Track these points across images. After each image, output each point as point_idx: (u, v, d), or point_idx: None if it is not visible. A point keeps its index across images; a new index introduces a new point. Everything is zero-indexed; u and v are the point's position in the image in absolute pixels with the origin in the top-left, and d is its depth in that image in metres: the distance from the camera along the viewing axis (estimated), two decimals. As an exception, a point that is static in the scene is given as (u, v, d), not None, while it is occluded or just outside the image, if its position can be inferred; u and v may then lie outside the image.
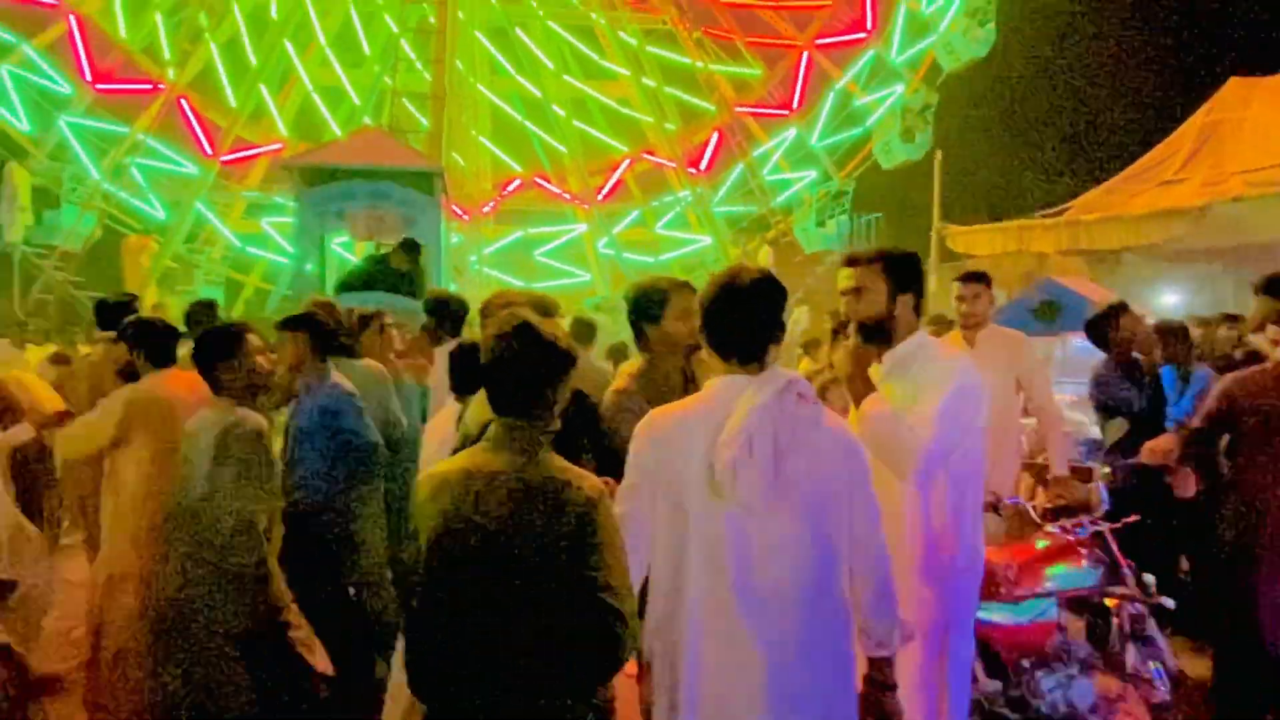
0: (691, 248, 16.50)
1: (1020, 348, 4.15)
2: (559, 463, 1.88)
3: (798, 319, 12.06)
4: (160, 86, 16.51)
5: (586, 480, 1.85)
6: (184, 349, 3.40)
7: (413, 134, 14.32)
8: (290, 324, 3.52)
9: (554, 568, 1.76)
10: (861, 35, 16.11)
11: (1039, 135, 24.88)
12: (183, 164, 16.67)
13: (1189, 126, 13.03)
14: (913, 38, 15.81)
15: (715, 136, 16.60)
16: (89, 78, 15.93)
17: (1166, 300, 12.78)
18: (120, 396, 3.29)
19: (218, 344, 2.93)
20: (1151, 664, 3.40)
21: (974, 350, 3.97)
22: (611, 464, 2.19)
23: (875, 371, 2.38)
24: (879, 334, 2.39)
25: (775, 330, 1.93)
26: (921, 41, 15.65)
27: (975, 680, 3.15)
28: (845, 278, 2.45)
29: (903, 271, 2.42)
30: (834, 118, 16.52)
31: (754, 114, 16.89)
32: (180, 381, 3.34)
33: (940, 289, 14.44)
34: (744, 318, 1.90)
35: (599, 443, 2.56)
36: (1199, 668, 3.72)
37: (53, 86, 16.08)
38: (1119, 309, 4.53)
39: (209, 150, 16.35)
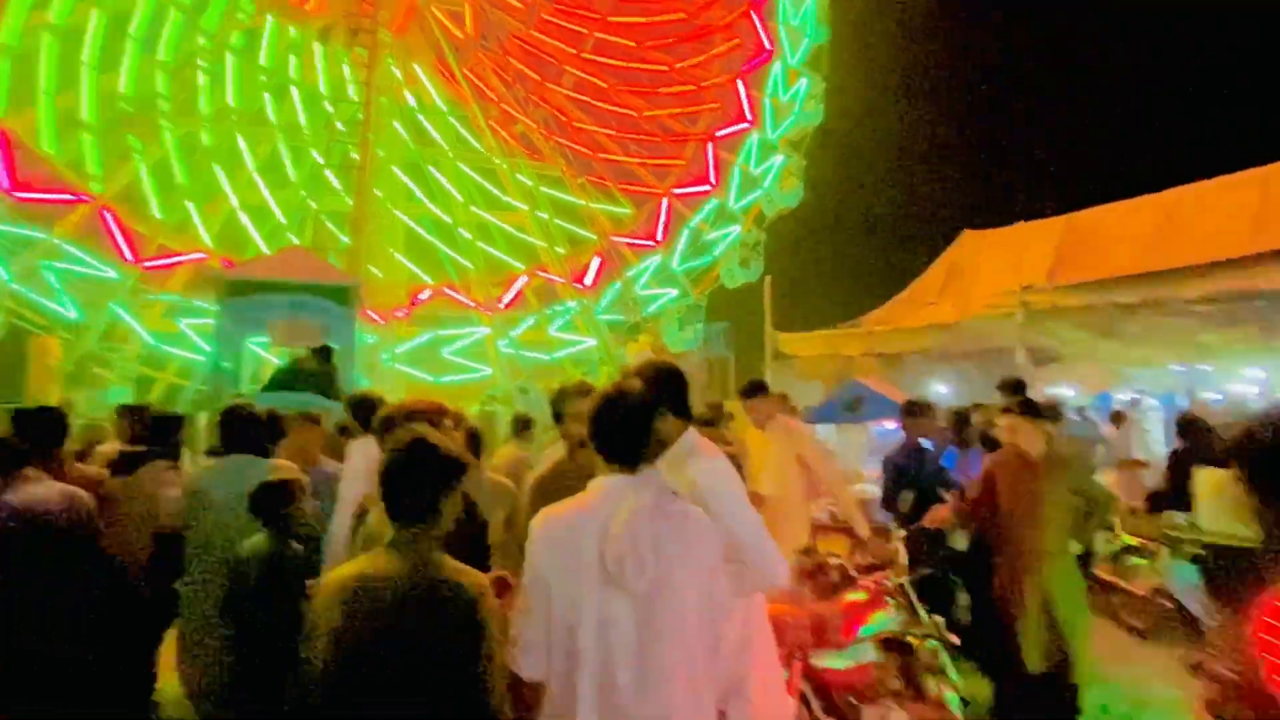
0: (579, 348, 16.81)
1: (800, 435, 4.59)
2: (450, 564, 1.85)
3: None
4: (83, 198, 15.08)
5: (470, 577, 1.83)
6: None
7: (334, 251, 13.81)
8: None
9: (443, 664, 1.73)
10: (707, 187, 17.82)
11: (842, 267, 27.81)
12: (101, 269, 15.09)
13: (939, 265, 15.10)
14: (745, 190, 17.56)
15: (597, 259, 17.43)
16: (7, 185, 14.28)
17: (938, 390, 14.04)
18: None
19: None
20: (946, 691, 3.58)
21: (764, 433, 4.40)
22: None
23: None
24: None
25: (649, 438, 1.95)
26: (752, 194, 17.43)
27: (814, 717, 3.22)
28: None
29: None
30: (689, 248, 17.86)
31: (627, 243, 17.99)
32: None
33: (775, 381, 15.45)
34: (623, 430, 1.92)
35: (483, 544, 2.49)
36: (984, 689, 3.88)
37: (-36, 195, 14.23)
38: (924, 407, 4.91)
39: (130, 256, 14.94)
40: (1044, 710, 3.55)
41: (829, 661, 3.24)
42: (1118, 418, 8.34)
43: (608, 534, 1.78)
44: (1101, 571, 5.49)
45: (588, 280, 16.86)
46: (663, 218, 17.63)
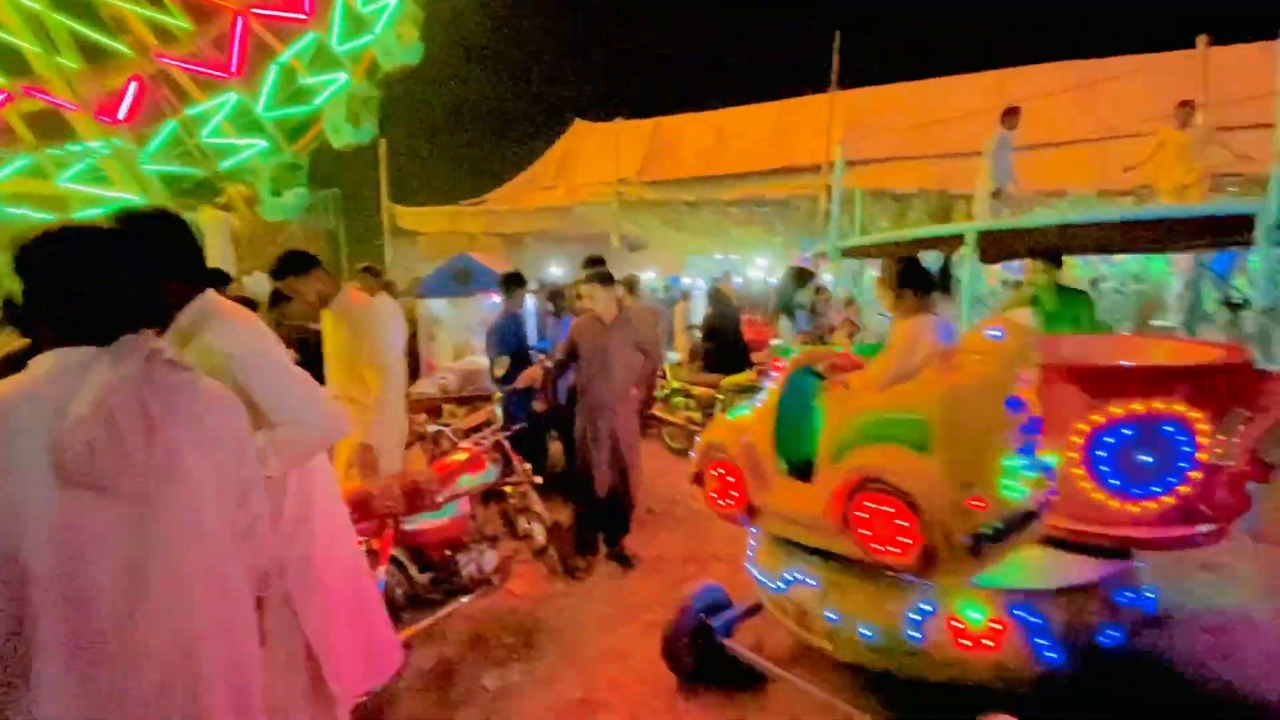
0: (112, 206, 12.10)
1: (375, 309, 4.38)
2: None
3: (259, 281, 10.20)
4: None
5: None
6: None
7: None
8: None
9: None
10: (301, 16, 13.83)
11: (466, 140, 26.44)
12: None
13: (554, 151, 15.51)
14: (352, 32, 14.26)
15: (134, 85, 12.38)
16: None
17: (556, 271, 14.85)
18: None
19: None
20: (535, 525, 3.90)
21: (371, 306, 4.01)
22: None
23: None
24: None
25: (123, 302, 1.30)
26: (361, 38, 14.21)
27: (409, 578, 3.11)
28: None
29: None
30: (280, 91, 14.01)
31: (185, 69, 13.19)
32: None
33: (396, 259, 14.16)
34: (75, 286, 1.27)
35: None
36: (565, 515, 4.31)
37: None
38: (517, 278, 4.93)
39: None
40: (610, 520, 4.14)
41: (422, 522, 3.12)
42: (685, 296, 10.27)
43: (68, 418, 1.17)
44: (657, 410, 6.67)
45: (121, 114, 12.07)
46: (238, 42, 13.36)
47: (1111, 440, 2.42)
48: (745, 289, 13.34)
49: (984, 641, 2.19)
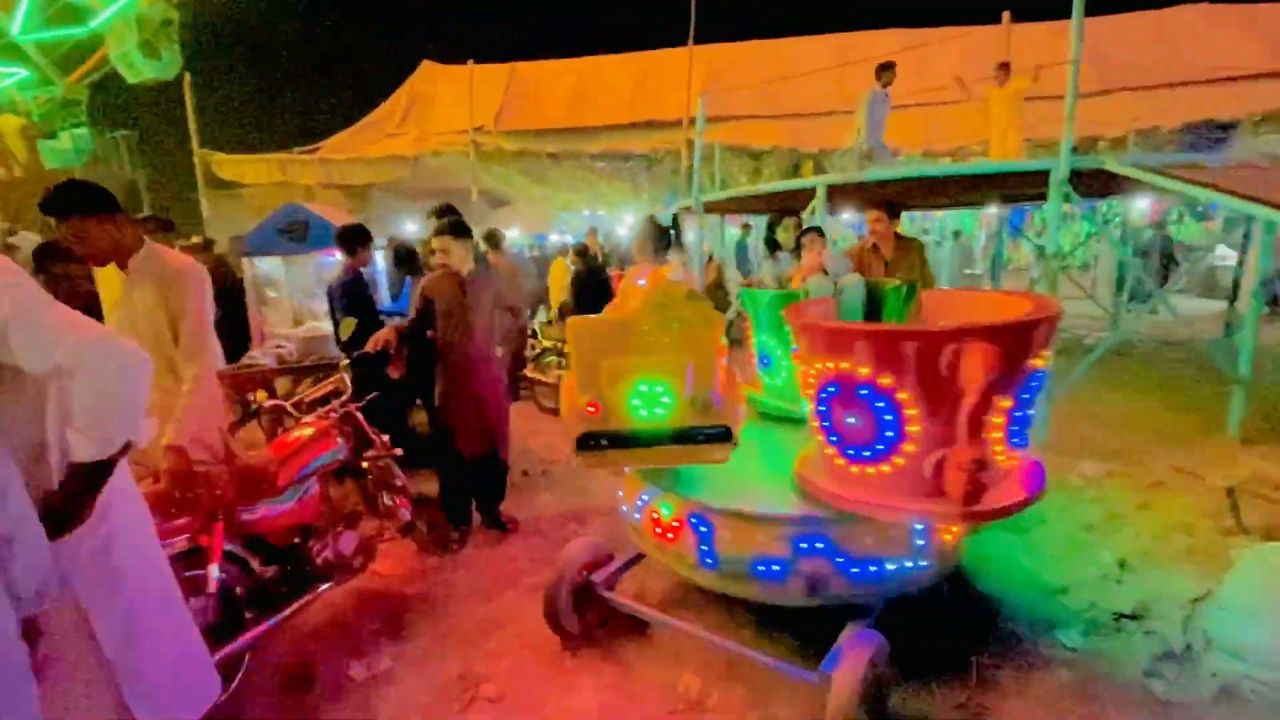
0: None
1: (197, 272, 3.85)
2: None
3: (29, 242, 8.44)
4: None
5: None
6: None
7: None
8: None
9: None
10: None
11: (292, 79, 23.36)
12: None
13: (400, 93, 14.16)
14: None
15: None
16: None
17: (409, 228, 13.78)
18: None
19: None
20: (397, 499, 3.65)
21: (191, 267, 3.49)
22: None
23: None
24: None
25: None
26: None
27: (253, 573, 2.80)
28: None
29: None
30: (43, 9, 11.35)
31: None
32: None
33: (215, 214, 12.35)
34: None
35: None
36: (433, 487, 4.14)
37: None
38: (359, 232, 4.46)
39: None
40: (481, 486, 3.99)
41: (263, 510, 2.79)
42: (569, 251, 9.96)
43: None
44: (528, 371, 6.52)
45: None
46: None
47: (826, 397, 2.38)
48: (615, 246, 13.33)
49: (667, 534, 2.70)
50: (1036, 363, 2.22)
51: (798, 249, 3.82)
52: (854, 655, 2.23)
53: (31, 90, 11.80)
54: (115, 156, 11.71)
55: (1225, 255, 11.80)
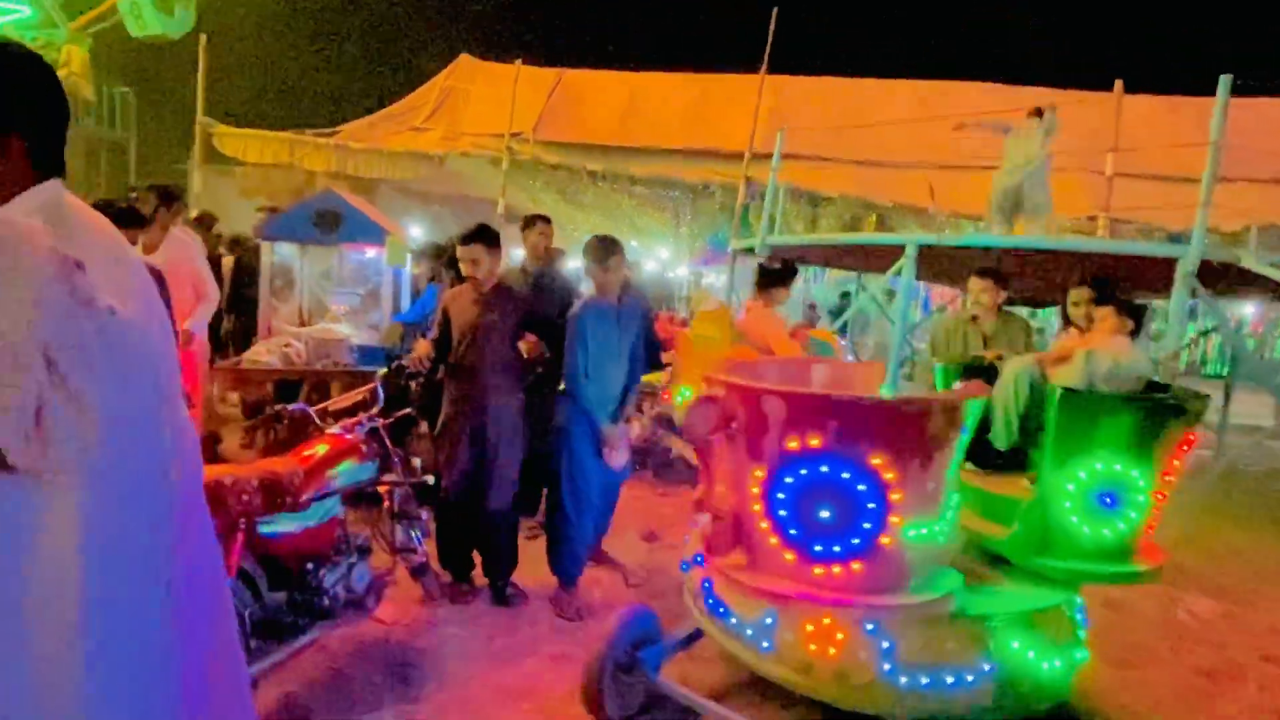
0: None
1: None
2: None
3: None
4: None
5: None
6: None
7: None
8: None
9: None
10: None
11: (317, 55, 24.35)
12: None
13: (432, 85, 14.71)
14: None
15: None
16: None
17: (414, 232, 14.09)
18: None
19: None
20: (413, 534, 3.68)
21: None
22: None
23: None
24: None
25: None
26: None
27: (260, 597, 2.82)
28: None
29: None
30: None
31: None
32: None
33: (205, 190, 12.70)
34: None
35: None
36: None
37: None
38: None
39: None
40: (480, 542, 3.94)
41: (281, 526, 2.84)
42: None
43: None
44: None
45: None
46: None
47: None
48: (644, 284, 13.51)
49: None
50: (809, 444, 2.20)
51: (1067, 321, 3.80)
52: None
53: (32, 31, 12.35)
54: (110, 115, 12.13)
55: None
